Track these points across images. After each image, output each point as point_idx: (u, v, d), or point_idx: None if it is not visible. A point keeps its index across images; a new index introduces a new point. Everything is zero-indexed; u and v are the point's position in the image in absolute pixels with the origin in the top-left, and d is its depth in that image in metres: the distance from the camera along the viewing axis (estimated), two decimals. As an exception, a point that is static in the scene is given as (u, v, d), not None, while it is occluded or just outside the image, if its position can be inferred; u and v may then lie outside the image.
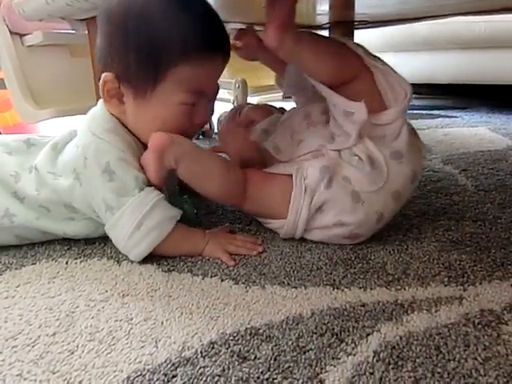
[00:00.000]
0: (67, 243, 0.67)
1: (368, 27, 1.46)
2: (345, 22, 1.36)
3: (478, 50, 1.94)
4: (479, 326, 0.45)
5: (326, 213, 0.61)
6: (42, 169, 0.63)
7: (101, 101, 0.64)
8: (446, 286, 0.53)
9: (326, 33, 1.45)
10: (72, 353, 0.42)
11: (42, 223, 0.64)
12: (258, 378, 0.39)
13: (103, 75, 0.60)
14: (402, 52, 2.13)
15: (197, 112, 0.62)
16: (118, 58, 0.59)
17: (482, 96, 2.23)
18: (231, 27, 1.40)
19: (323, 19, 1.29)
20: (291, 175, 0.62)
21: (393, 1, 0.86)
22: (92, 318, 0.48)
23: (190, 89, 0.60)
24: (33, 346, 0.43)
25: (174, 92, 0.59)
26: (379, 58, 0.63)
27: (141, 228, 0.58)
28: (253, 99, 1.96)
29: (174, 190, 0.68)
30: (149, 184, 0.61)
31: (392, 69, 0.63)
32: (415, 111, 1.98)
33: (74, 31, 0.94)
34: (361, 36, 1.92)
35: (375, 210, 0.61)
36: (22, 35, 1.07)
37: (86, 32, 0.88)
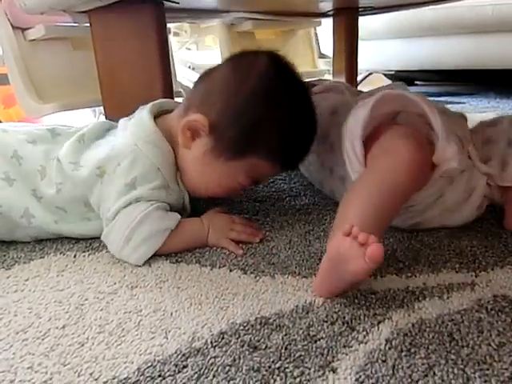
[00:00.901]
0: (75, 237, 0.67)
1: (373, 13, 1.44)
2: (349, 8, 1.34)
3: (485, 34, 1.90)
4: (492, 312, 0.44)
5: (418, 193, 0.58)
6: (64, 159, 0.62)
7: (147, 108, 0.64)
8: (457, 272, 0.52)
9: (329, 20, 1.44)
10: (82, 345, 0.42)
11: (60, 227, 0.63)
12: (270, 367, 0.38)
13: (199, 116, 0.60)
14: (408, 38, 2.10)
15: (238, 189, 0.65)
16: (224, 115, 0.59)
17: (489, 81, 2.20)
18: (236, 16, 1.39)
19: (327, 6, 1.27)
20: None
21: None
22: (101, 310, 0.48)
23: (254, 177, 0.63)
24: (43, 339, 0.43)
25: (242, 172, 0.61)
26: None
27: (129, 243, 0.57)
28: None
29: None
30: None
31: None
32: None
33: (75, 24, 0.93)
34: (366, 22, 1.90)
35: (425, 217, 0.62)
36: (23, 29, 1.07)
37: (88, 24, 0.87)
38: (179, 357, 0.40)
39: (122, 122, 0.67)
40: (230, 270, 0.55)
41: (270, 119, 0.59)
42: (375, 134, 0.58)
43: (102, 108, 0.92)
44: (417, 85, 2.64)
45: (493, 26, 1.84)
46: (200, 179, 0.63)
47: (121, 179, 0.59)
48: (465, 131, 0.65)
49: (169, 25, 1.36)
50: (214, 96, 0.61)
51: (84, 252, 0.62)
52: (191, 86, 0.69)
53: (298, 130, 0.61)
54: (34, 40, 1.08)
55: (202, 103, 0.61)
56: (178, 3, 0.91)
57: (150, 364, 0.39)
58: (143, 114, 0.63)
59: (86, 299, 0.50)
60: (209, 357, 0.40)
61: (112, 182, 0.59)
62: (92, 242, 0.64)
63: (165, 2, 0.85)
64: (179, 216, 0.60)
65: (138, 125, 0.63)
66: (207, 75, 0.65)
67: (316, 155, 0.73)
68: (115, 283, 0.53)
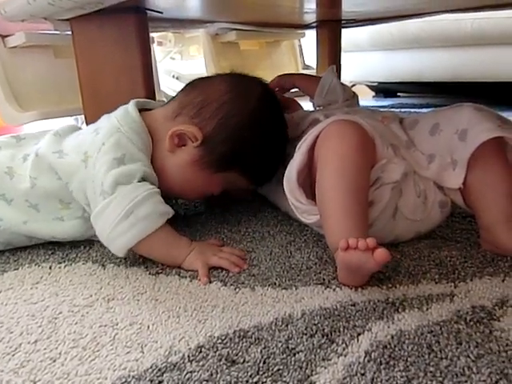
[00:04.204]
0: (51, 247, 0.65)
1: (356, 26, 1.46)
2: (332, 20, 1.36)
3: (465, 47, 1.95)
4: (471, 323, 0.44)
5: (371, 210, 0.58)
6: (46, 152, 0.63)
7: (132, 101, 0.66)
8: (436, 283, 0.52)
9: (313, 32, 1.46)
10: (54, 361, 0.41)
11: (30, 227, 0.62)
12: (247, 381, 0.37)
13: (194, 128, 0.63)
14: (391, 50, 2.13)
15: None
16: (219, 132, 0.63)
17: (470, 94, 2.25)
18: (220, 27, 1.40)
19: (310, 18, 1.29)
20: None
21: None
22: (76, 323, 0.46)
23: (229, 188, 0.69)
24: (13, 355, 0.42)
25: (220, 184, 0.67)
26: None
27: (129, 217, 0.55)
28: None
29: None
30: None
31: None
32: (405, 109, 1.99)
33: (57, 32, 0.92)
34: (350, 34, 1.93)
35: (396, 233, 0.62)
36: (4, 36, 1.05)
37: (70, 32, 0.86)
38: (155, 372, 0.39)
39: (104, 116, 0.68)
40: (210, 282, 0.54)
41: (257, 142, 0.65)
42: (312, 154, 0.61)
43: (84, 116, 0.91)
44: (399, 96, 2.68)
45: (472, 40, 1.88)
46: (178, 182, 0.65)
47: (109, 155, 0.59)
48: (398, 138, 0.65)
49: (153, 34, 1.36)
50: (209, 111, 0.64)
51: (60, 263, 0.60)
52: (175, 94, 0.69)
53: (275, 154, 0.68)
54: (14, 47, 1.07)
55: (196, 115, 0.64)
56: (161, 13, 0.91)
57: (124, 380, 0.38)
58: (128, 105, 0.66)
59: (61, 312, 0.49)
60: (185, 372, 0.39)
61: (98, 161, 0.59)
62: (68, 253, 0.63)
63: (148, 12, 0.85)
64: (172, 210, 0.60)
65: (122, 113, 0.65)
66: (200, 86, 0.68)
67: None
68: (91, 295, 0.52)
